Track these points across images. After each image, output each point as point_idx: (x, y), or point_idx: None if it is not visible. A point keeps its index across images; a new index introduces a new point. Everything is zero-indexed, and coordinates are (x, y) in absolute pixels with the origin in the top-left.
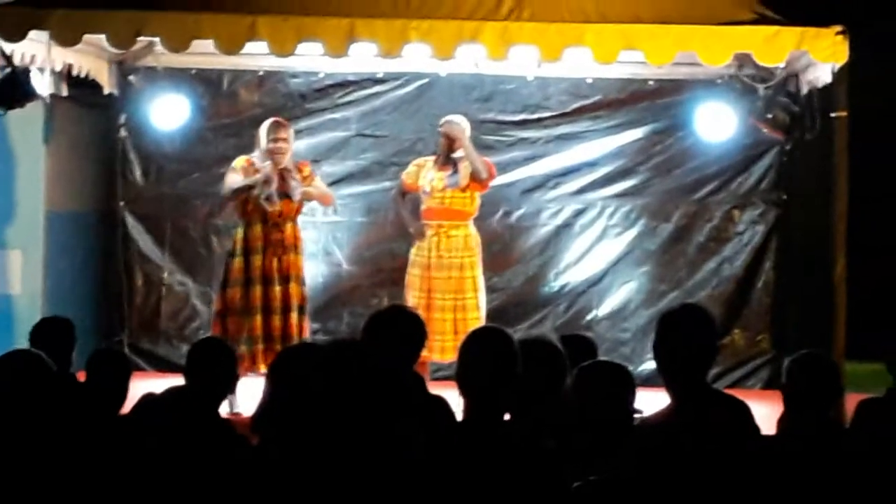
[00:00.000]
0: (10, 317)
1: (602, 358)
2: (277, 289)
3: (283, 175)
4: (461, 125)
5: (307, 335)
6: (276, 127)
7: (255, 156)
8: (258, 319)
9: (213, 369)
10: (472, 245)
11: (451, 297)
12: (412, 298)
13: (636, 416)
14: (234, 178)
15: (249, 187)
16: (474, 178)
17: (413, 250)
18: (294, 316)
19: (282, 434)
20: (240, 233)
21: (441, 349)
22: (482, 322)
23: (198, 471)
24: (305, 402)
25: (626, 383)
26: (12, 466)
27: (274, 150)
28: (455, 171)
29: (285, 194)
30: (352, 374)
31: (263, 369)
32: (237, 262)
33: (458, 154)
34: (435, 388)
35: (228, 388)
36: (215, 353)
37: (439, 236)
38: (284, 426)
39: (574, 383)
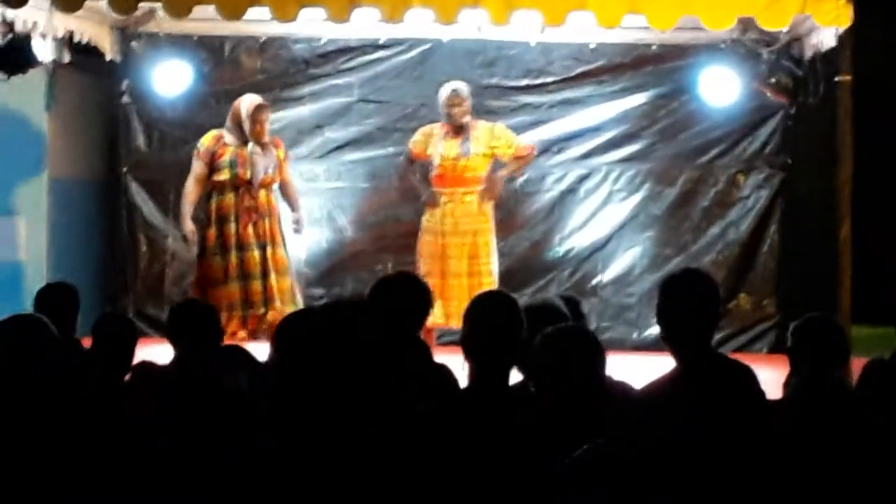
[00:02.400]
0: (18, 283)
1: (605, 324)
2: (255, 254)
3: (256, 148)
4: (466, 91)
5: (299, 297)
6: (257, 109)
7: (228, 128)
8: (236, 286)
9: (194, 331)
10: (486, 210)
11: (467, 263)
12: (424, 265)
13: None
14: (192, 182)
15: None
16: (494, 149)
17: (425, 217)
18: (274, 279)
19: (284, 400)
20: (213, 202)
21: (458, 315)
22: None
23: (195, 438)
24: (308, 367)
25: (590, 349)
26: (13, 430)
27: (256, 131)
28: (467, 139)
29: (260, 166)
30: (354, 335)
31: (243, 335)
32: (211, 231)
33: (466, 119)
34: (442, 355)
35: (215, 347)
36: (193, 315)
37: (454, 202)
38: (287, 391)
39: (536, 348)
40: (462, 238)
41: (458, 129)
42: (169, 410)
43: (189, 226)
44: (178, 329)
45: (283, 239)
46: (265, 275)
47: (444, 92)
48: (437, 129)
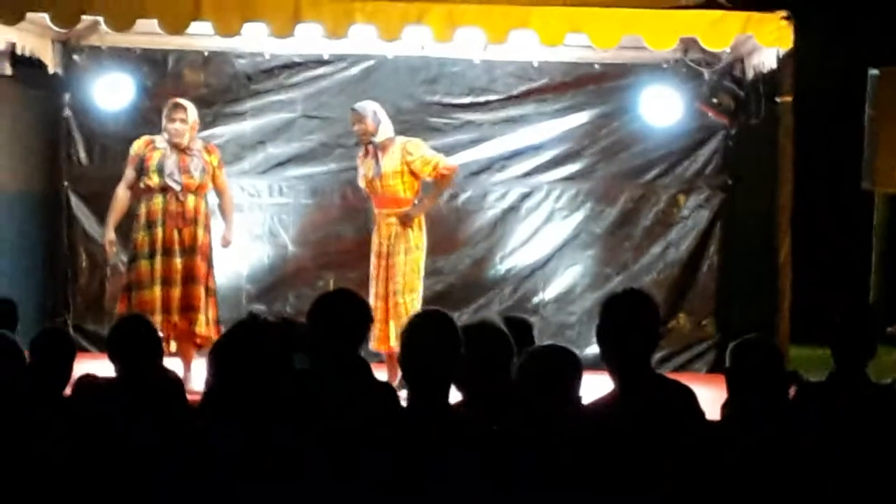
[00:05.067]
0: None
1: (547, 342)
2: (178, 260)
3: (183, 152)
4: (364, 110)
5: (214, 310)
6: (172, 108)
7: (160, 135)
8: (157, 291)
9: (133, 348)
10: (409, 232)
11: (384, 286)
12: (372, 287)
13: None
14: (121, 189)
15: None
16: (408, 165)
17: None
18: (195, 288)
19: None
20: (142, 207)
21: (378, 339)
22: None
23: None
24: (247, 383)
25: (573, 368)
26: None
27: (171, 131)
28: (379, 158)
29: (187, 170)
30: (293, 353)
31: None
32: (140, 235)
33: (378, 138)
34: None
35: (154, 363)
36: (134, 331)
37: (380, 223)
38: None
39: (519, 366)
40: (384, 259)
41: (374, 149)
42: (112, 423)
43: (109, 235)
44: (119, 345)
45: (210, 249)
46: (187, 282)
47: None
48: (362, 150)
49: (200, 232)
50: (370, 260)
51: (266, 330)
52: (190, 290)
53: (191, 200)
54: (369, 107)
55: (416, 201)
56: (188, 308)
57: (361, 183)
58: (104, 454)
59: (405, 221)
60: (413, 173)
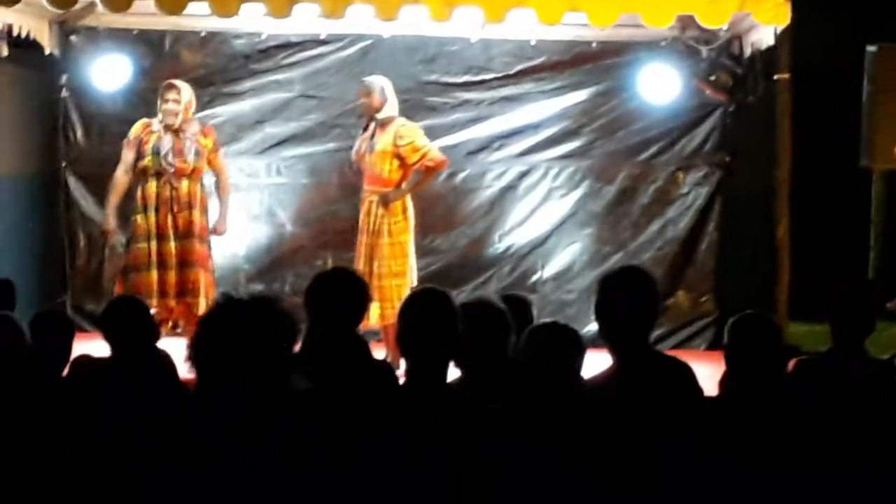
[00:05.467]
0: None
1: (547, 320)
2: (172, 244)
3: (177, 134)
4: (373, 85)
5: (212, 292)
6: (165, 89)
7: (156, 118)
8: (154, 275)
9: (128, 327)
10: (392, 210)
11: (367, 265)
12: (356, 265)
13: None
14: (119, 172)
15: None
16: (398, 148)
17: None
18: (192, 272)
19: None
20: (139, 190)
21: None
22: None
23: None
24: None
25: (576, 346)
26: None
27: (163, 111)
28: (375, 135)
29: (181, 153)
30: (284, 331)
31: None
32: (139, 218)
33: (381, 115)
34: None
35: (150, 343)
36: (128, 311)
37: (365, 201)
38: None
39: (522, 344)
40: (367, 238)
41: (374, 125)
42: (109, 403)
43: (109, 221)
44: (112, 325)
45: (207, 232)
46: (183, 266)
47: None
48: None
49: (196, 215)
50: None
51: (241, 309)
52: (187, 275)
53: (185, 184)
54: (378, 82)
55: (403, 186)
56: (185, 292)
57: (354, 156)
58: (99, 433)
59: (383, 203)
60: (400, 157)
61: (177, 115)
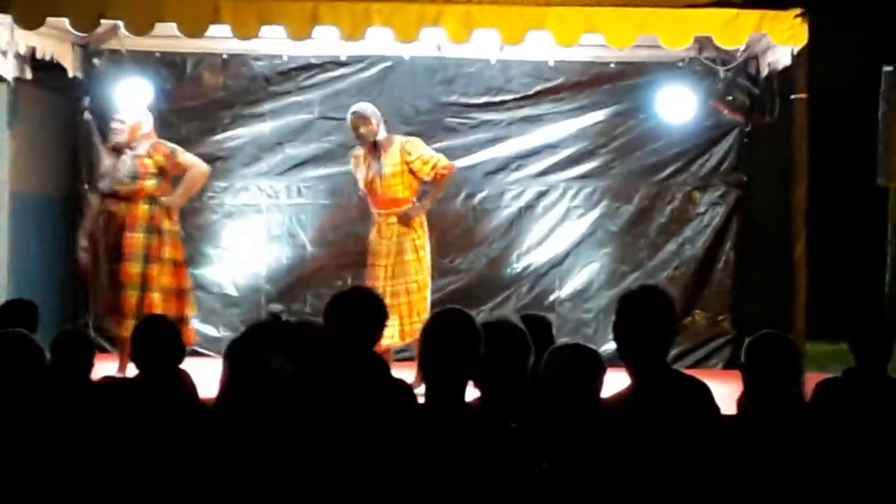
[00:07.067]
0: None
1: (564, 339)
2: (123, 266)
3: (118, 156)
4: (366, 111)
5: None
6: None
7: None
8: (111, 294)
9: (155, 347)
10: (411, 229)
11: (391, 283)
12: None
13: None
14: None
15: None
16: (408, 164)
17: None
18: (149, 295)
19: (242, 415)
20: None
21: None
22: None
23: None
24: (264, 384)
25: (596, 366)
26: None
27: (112, 129)
28: (380, 158)
29: (117, 176)
30: (311, 354)
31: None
32: (101, 240)
33: (380, 138)
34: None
35: (174, 364)
36: (155, 331)
37: (380, 224)
38: (244, 407)
39: (544, 364)
40: (385, 259)
41: (375, 150)
42: (134, 423)
43: (81, 242)
44: (141, 345)
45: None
46: (142, 288)
47: (349, 115)
48: (360, 151)
49: (139, 236)
50: (367, 262)
51: (284, 331)
52: (147, 296)
53: (122, 207)
54: (368, 108)
55: (414, 200)
56: (115, 311)
57: (361, 184)
58: (121, 452)
59: (404, 221)
60: (412, 172)
61: (121, 134)
